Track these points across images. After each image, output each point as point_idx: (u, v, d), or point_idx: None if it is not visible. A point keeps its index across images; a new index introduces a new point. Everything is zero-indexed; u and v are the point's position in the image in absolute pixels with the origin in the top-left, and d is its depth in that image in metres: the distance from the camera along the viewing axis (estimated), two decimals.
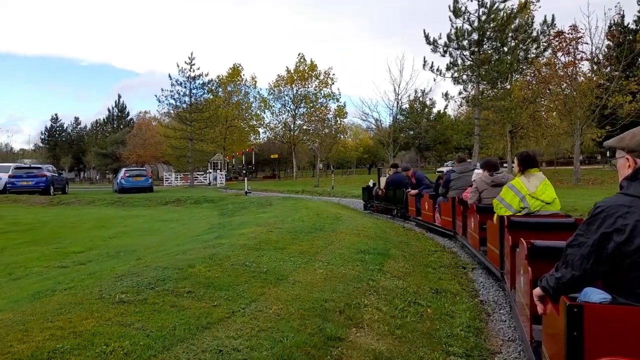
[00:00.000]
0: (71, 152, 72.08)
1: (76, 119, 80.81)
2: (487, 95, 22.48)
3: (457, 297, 4.53)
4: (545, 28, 20.75)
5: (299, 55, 45.63)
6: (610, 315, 1.76)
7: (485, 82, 21.91)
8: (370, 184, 13.59)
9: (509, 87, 25.31)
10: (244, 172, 23.02)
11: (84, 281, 3.77)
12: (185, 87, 33.82)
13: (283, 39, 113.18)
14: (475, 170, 7.37)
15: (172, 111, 34.72)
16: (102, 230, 9.60)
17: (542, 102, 27.66)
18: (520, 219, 4.25)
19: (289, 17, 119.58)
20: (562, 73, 23.68)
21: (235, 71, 46.84)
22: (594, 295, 1.96)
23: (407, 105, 41.92)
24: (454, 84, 22.51)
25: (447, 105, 43.50)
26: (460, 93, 22.49)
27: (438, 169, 42.27)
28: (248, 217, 9.64)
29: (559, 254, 2.08)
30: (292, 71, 44.92)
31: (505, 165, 40.76)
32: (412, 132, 42.57)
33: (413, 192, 9.92)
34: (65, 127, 79.60)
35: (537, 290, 2.21)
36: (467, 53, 21.83)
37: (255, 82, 48.38)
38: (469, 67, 22.05)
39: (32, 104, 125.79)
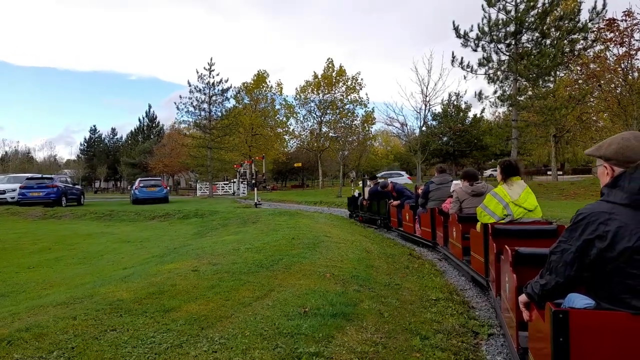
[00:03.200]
0: (107, 162, 73.04)
1: (113, 129, 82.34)
2: (526, 94, 19.76)
3: None
4: (595, 15, 17.94)
5: (327, 60, 43.57)
6: (595, 321, 1.77)
7: (523, 79, 19.22)
8: (356, 194, 13.39)
9: (551, 86, 22.50)
10: (253, 182, 21.30)
11: None
12: (204, 94, 32.59)
13: (314, 44, 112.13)
14: (454, 181, 7.17)
15: (190, 119, 33.53)
16: (41, 255, 7.99)
17: (591, 102, 24.57)
18: (504, 226, 4.24)
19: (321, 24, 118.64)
20: (614, 67, 20.71)
21: (260, 77, 45.51)
22: (578, 300, 1.95)
23: (440, 110, 39.34)
24: (488, 82, 19.92)
25: (484, 109, 40.16)
26: (495, 92, 19.82)
27: (361, 181, 39.75)
28: (213, 239, 7.77)
29: (543, 261, 2.09)
30: (320, 76, 43.13)
31: (549, 173, 37.33)
32: (445, 138, 39.70)
33: (395, 202, 9.83)
34: (103, 138, 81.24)
35: (523, 297, 2.23)
36: (502, 46, 19.21)
37: (281, 88, 46.90)
38: (504, 62, 19.43)
39: (85, 116, 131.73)
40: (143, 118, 71.08)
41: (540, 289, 2.05)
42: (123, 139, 78.82)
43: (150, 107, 72.60)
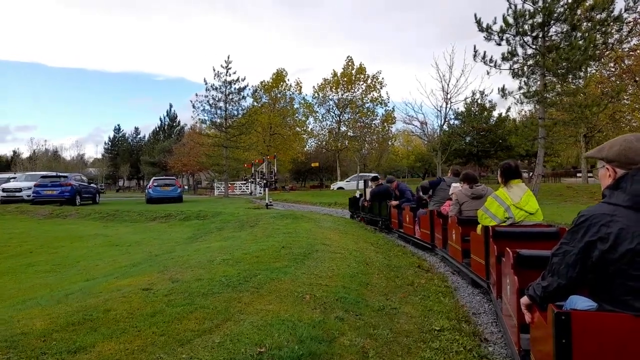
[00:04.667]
0: (130, 161, 73.68)
1: (136, 129, 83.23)
2: (554, 90, 18.41)
3: None
4: (632, 3, 16.55)
5: (347, 58, 42.56)
6: (597, 322, 1.78)
7: (551, 74, 17.90)
8: (357, 195, 13.39)
9: (582, 82, 21.08)
10: (264, 182, 20.63)
11: None
12: (221, 93, 32.07)
13: (335, 42, 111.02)
14: (453, 184, 6.92)
15: (206, 117, 33.00)
16: (17, 259, 7.43)
17: (626, 100, 22.99)
18: (505, 229, 4.26)
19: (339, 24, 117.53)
20: None
21: (279, 76, 44.85)
22: (580, 302, 1.96)
23: (464, 109, 37.91)
24: (513, 77, 18.61)
25: (509, 108, 38.50)
26: (520, 88, 18.55)
27: (335, 185, 40.44)
28: (201, 245, 7.06)
29: (545, 263, 2.11)
30: (339, 74, 42.18)
31: (579, 175, 35.50)
32: (468, 138, 38.22)
33: (394, 202, 9.69)
34: (126, 137, 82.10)
35: (525, 299, 2.24)
36: (528, 39, 17.94)
37: (300, 87, 46.08)
38: (531, 56, 18.15)
39: (114, 116, 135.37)
40: (164, 117, 71.53)
41: (542, 291, 2.04)
42: (146, 138, 79.57)
43: (171, 106, 73.26)
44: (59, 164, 68.16)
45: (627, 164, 1.90)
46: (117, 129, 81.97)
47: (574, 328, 1.76)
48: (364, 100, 41.03)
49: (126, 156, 75.48)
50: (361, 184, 35.75)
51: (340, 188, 38.71)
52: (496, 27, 18.07)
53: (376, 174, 15.01)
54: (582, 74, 19.23)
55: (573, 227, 1.94)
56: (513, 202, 4.45)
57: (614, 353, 1.73)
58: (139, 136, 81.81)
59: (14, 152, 77.92)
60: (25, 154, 76.41)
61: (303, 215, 11.06)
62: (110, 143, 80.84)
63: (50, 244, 9.01)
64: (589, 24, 17.63)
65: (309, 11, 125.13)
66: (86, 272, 5.98)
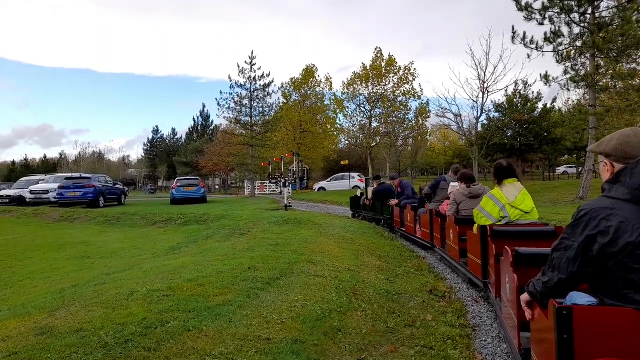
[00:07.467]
0: (167, 161, 74.56)
1: (173, 129, 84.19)
2: (605, 74, 16.22)
3: None
4: None
5: (375, 49, 40.64)
6: (599, 317, 1.76)
7: (602, 55, 15.71)
8: (358, 193, 13.63)
9: (638, 67, 18.64)
10: (283, 181, 19.57)
11: None
12: (245, 89, 31.18)
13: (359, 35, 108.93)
14: (452, 183, 6.97)
15: (231, 115, 32.18)
16: None
17: None
18: (503, 228, 4.27)
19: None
20: None
21: (309, 72, 43.52)
22: (580, 299, 1.94)
23: (504, 100, 35.37)
24: (557, 61, 16.53)
25: (555, 98, 35.55)
26: (566, 72, 16.43)
27: (317, 186, 39.45)
28: (165, 261, 5.85)
29: (543, 260, 2.09)
30: (369, 67, 40.38)
31: None
32: (509, 132, 35.60)
33: (393, 202, 9.77)
34: (164, 138, 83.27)
35: (525, 296, 2.21)
36: (575, 16, 15.82)
37: (331, 83, 44.50)
38: (578, 35, 16.01)
39: (160, 118, 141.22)
40: (197, 117, 71.91)
41: (543, 286, 2.01)
42: (183, 138, 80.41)
43: (204, 106, 73.29)
44: (102, 166, 69.75)
45: (624, 158, 1.88)
46: (156, 131, 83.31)
47: (575, 323, 1.74)
48: (396, 94, 39.11)
49: (164, 157, 76.42)
50: (340, 184, 35.07)
51: (321, 188, 37.49)
52: (537, 5, 16.09)
53: (379, 174, 14.07)
54: (639, 53, 16.88)
55: (573, 222, 1.91)
56: (508, 201, 4.46)
57: (616, 347, 1.70)
58: (176, 137, 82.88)
59: (60, 154, 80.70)
60: (73, 156, 78.99)
61: (310, 219, 9.71)
62: (149, 144, 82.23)
63: (20, 255, 8.11)
64: None
65: (346, 10, 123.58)
66: (12, 298, 4.90)
